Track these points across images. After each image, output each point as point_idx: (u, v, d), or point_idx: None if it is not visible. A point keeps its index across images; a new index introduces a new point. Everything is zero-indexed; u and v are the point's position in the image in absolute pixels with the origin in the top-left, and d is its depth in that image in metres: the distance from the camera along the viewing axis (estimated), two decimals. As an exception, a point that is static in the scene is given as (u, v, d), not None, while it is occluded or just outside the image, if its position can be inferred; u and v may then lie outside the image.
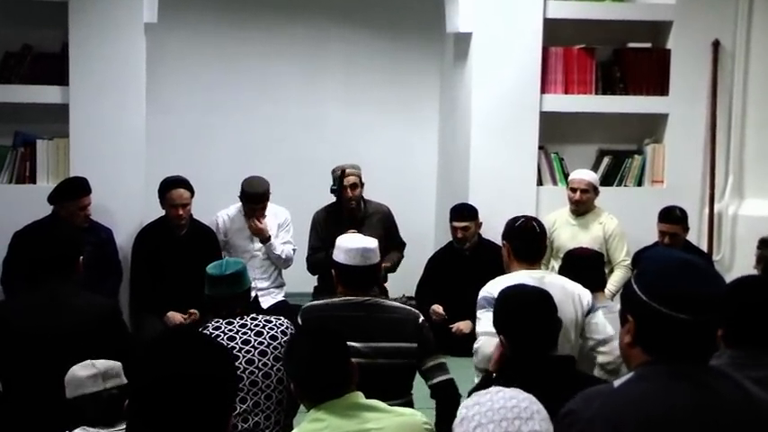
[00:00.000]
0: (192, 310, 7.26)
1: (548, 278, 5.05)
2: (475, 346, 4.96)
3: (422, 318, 4.92)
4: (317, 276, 7.98)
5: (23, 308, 5.11)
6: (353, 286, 4.85)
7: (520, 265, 5.20)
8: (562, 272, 5.86)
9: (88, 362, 4.21)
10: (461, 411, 2.36)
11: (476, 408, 2.31)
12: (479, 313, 5.01)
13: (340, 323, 4.48)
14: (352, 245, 4.89)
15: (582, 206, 7.92)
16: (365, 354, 4.51)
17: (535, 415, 2.29)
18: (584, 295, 5.09)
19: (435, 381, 4.80)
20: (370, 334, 4.62)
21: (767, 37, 8.59)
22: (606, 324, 5.04)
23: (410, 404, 4.61)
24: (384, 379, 4.23)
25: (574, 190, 7.95)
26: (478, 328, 5.01)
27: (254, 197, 7.67)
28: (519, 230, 5.33)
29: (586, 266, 5.97)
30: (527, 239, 5.32)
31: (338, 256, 4.89)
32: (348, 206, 7.86)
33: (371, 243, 4.94)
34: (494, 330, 4.72)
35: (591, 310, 5.05)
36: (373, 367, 4.24)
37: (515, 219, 5.50)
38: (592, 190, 7.94)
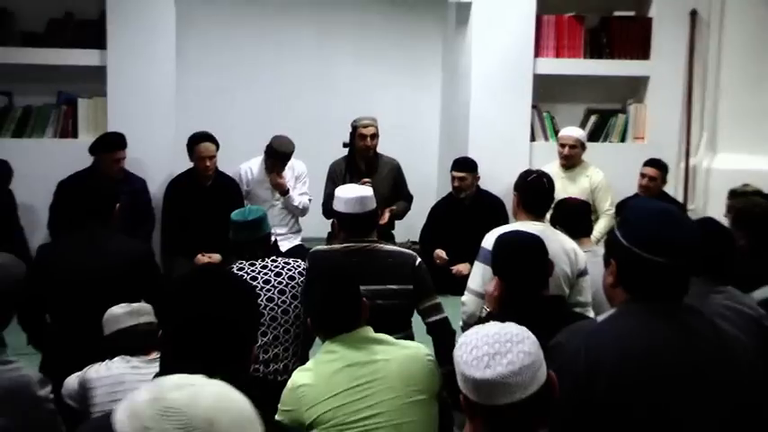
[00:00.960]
0: (212, 254, 7.30)
1: (548, 232, 4.97)
2: (463, 299, 4.98)
3: (418, 260, 4.86)
4: (330, 222, 7.99)
5: (66, 250, 5.15)
6: (354, 232, 4.83)
7: (526, 216, 5.14)
8: (554, 219, 5.86)
9: (123, 304, 4.25)
10: (461, 338, 2.38)
11: (473, 334, 2.34)
12: (475, 264, 5.00)
13: (349, 270, 4.49)
14: (350, 195, 4.85)
15: (570, 160, 7.93)
16: (365, 296, 4.50)
17: (525, 340, 2.30)
18: (580, 256, 5.04)
19: (431, 320, 4.78)
20: (369, 278, 4.53)
21: (740, 7, 8.55)
22: (589, 290, 5.03)
23: (410, 337, 4.61)
24: (383, 318, 4.19)
25: (563, 146, 7.96)
26: (469, 282, 5.01)
27: (282, 155, 7.67)
28: (530, 184, 5.24)
29: (575, 215, 5.98)
30: (536, 193, 5.23)
31: (338, 206, 4.86)
32: (366, 155, 7.85)
33: (367, 191, 4.90)
34: (480, 290, 4.77)
35: (583, 273, 5.01)
36: (372, 308, 4.26)
37: (528, 172, 5.43)
38: (579, 146, 7.96)
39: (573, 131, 8.07)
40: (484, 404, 2.29)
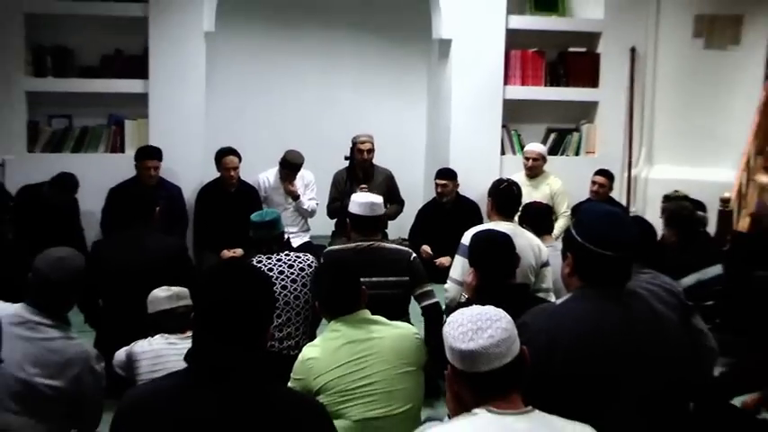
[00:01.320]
0: (236, 249, 7.27)
1: (517, 231, 5.00)
2: (445, 287, 5.00)
3: (413, 255, 4.89)
4: (334, 221, 7.99)
5: (115, 246, 5.18)
6: (364, 232, 4.85)
7: (498, 218, 5.17)
8: (521, 220, 5.85)
9: (165, 287, 4.24)
10: (449, 318, 2.41)
11: (459, 315, 2.37)
12: (455, 257, 5.02)
13: (349, 263, 4.49)
14: (363, 200, 4.91)
15: (533, 171, 7.92)
16: (368, 287, 4.49)
17: (503, 318, 2.34)
18: (543, 250, 5.07)
19: (424, 304, 4.80)
20: (373, 271, 4.58)
21: (670, 45, 8.64)
22: (551, 278, 5.03)
23: (408, 321, 4.60)
24: (385, 306, 4.22)
25: (527, 158, 7.96)
26: (451, 272, 5.04)
27: (293, 166, 7.66)
28: (502, 191, 5.29)
29: (540, 216, 5.97)
30: (507, 198, 5.27)
31: (352, 208, 4.90)
32: (363, 165, 7.83)
33: (378, 199, 4.97)
34: (460, 279, 4.80)
35: (545, 264, 5.03)
36: (375, 297, 4.27)
37: (500, 181, 5.45)
38: (541, 158, 7.95)
39: (536, 147, 8.08)
40: (468, 371, 2.31)
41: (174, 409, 2.24)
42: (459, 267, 4.91)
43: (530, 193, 7.55)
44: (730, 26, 8.45)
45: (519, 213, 5.78)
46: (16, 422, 2.15)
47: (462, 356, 2.31)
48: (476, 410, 2.31)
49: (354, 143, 7.82)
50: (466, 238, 4.86)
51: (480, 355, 2.29)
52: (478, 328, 2.31)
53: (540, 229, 5.58)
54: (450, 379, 2.39)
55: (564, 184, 7.92)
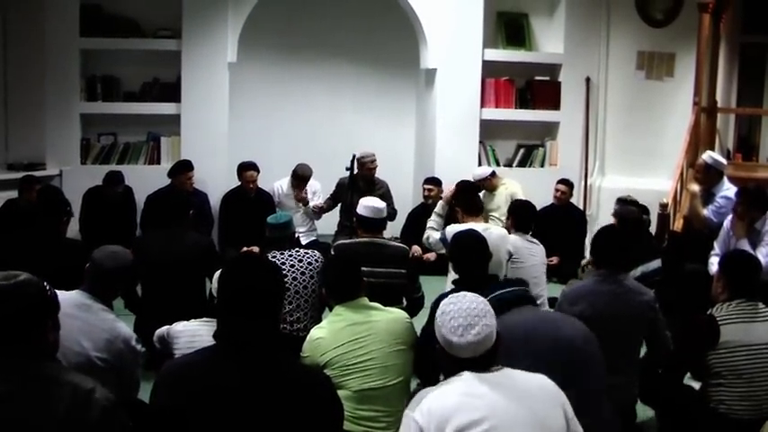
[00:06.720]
0: (253, 246, 7.26)
1: (490, 229, 5.08)
2: (424, 240, 5.46)
3: (410, 252, 4.99)
4: (337, 222, 8.02)
5: (156, 240, 5.20)
6: (370, 230, 4.92)
7: (470, 218, 5.30)
8: (510, 212, 5.84)
9: None
10: (442, 306, 2.46)
11: (451, 305, 2.42)
12: (437, 236, 5.33)
13: (357, 255, 4.53)
14: (371, 204, 4.97)
15: (488, 188, 7.80)
16: (371, 275, 4.47)
17: (487, 314, 2.40)
18: (509, 240, 5.20)
19: (411, 297, 4.87)
20: (375, 262, 4.60)
21: (617, 76, 8.73)
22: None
23: (402, 308, 4.61)
24: (383, 292, 4.22)
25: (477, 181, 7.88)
26: (431, 239, 5.46)
27: (303, 178, 7.75)
28: (467, 191, 5.45)
29: (527, 212, 5.85)
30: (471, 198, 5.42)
31: (361, 210, 4.96)
32: (366, 177, 7.76)
33: (382, 204, 5.02)
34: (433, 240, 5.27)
35: (512, 254, 5.14)
36: (376, 284, 4.28)
37: (463, 182, 5.61)
38: (484, 179, 7.79)
39: (477, 172, 7.94)
40: (456, 356, 2.41)
41: (203, 378, 2.26)
42: (435, 238, 5.32)
43: (491, 199, 7.68)
44: (666, 61, 8.53)
45: (509, 206, 5.83)
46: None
47: (451, 346, 2.40)
48: (461, 373, 2.41)
49: (361, 160, 7.66)
50: (448, 231, 5.05)
51: (468, 349, 2.39)
52: (468, 324, 2.38)
53: (520, 226, 5.56)
54: (440, 354, 2.46)
55: (530, 190, 7.81)
